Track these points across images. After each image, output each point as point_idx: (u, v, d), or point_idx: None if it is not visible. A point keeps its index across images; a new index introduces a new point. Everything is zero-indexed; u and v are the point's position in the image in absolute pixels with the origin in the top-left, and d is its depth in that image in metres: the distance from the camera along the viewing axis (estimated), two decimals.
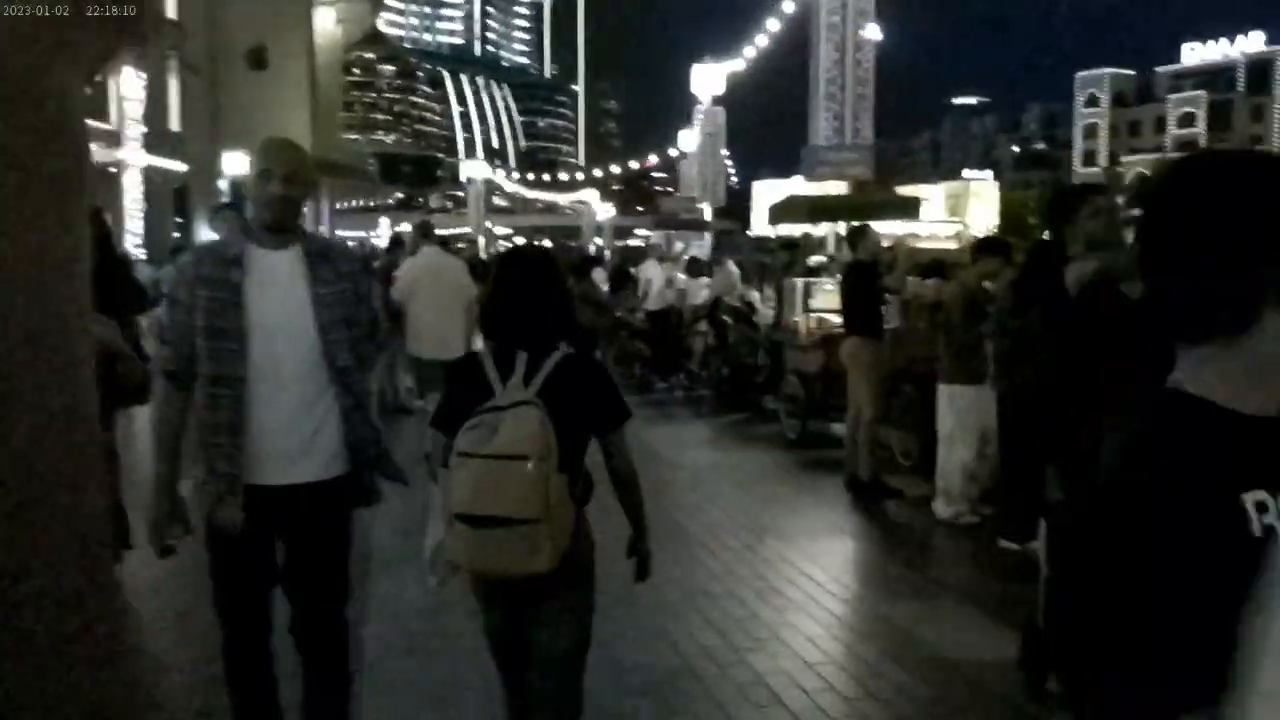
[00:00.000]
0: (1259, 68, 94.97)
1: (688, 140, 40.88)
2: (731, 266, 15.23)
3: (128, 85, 25.33)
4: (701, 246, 24.29)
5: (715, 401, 12.75)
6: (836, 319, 9.93)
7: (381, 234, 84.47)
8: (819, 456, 9.43)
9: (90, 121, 1.86)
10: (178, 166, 28.54)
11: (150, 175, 27.02)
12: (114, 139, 25.47)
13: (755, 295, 13.50)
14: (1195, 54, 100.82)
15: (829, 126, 22.12)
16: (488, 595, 2.98)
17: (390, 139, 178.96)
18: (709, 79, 30.83)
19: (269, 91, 33.04)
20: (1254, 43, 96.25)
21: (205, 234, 22.47)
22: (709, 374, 13.50)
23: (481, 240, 52.32)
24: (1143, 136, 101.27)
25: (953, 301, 7.25)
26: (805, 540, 6.84)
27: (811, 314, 10.19)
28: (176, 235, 28.17)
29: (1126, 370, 1.75)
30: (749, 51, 29.77)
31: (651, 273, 14.94)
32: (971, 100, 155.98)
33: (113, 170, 25.36)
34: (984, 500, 7.23)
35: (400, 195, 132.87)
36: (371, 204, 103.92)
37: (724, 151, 44.67)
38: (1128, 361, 1.89)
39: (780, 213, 12.61)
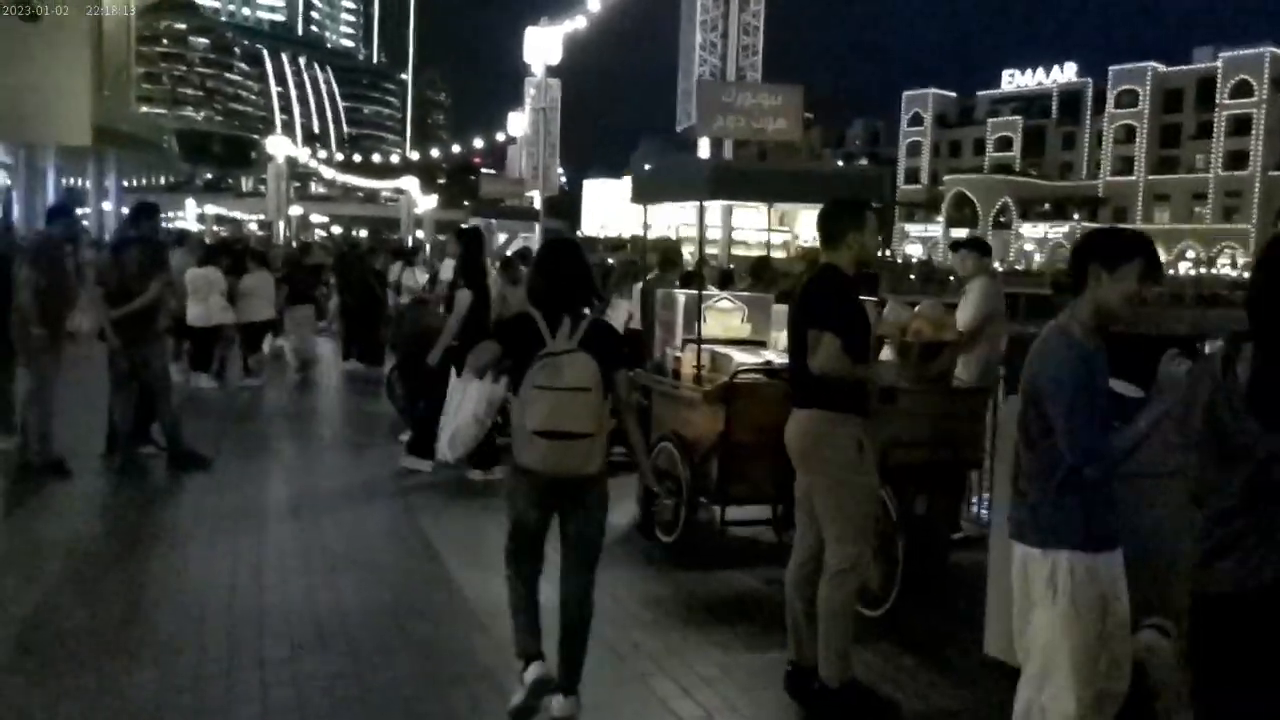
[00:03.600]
0: (1070, 97, 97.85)
1: (517, 124, 36.67)
2: None
3: None
4: (529, 240, 20.13)
5: None
6: (745, 357, 6.27)
7: (188, 216, 76.66)
8: (713, 592, 5.65)
9: None
10: None
11: None
12: None
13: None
14: (1014, 81, 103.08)
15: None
16: (540, 491, 3.85)
17: (200, 116, 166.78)
18: (544, 45, 26.77)
19: (39, 47, 30.29)
20: (1067, 74, 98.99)
21: None
22: None
23: (282, 227, 46.59)
24: (963, 157, 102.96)
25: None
26: None
27: (705, 346, 6.40)
28: None
29: None
30: (593, 4, 25.61)
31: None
32: None
33: None
34: None
35: (210, 176, 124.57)
36: (173, 182, 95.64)
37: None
38: None
39: (651, 187, 7.08)
